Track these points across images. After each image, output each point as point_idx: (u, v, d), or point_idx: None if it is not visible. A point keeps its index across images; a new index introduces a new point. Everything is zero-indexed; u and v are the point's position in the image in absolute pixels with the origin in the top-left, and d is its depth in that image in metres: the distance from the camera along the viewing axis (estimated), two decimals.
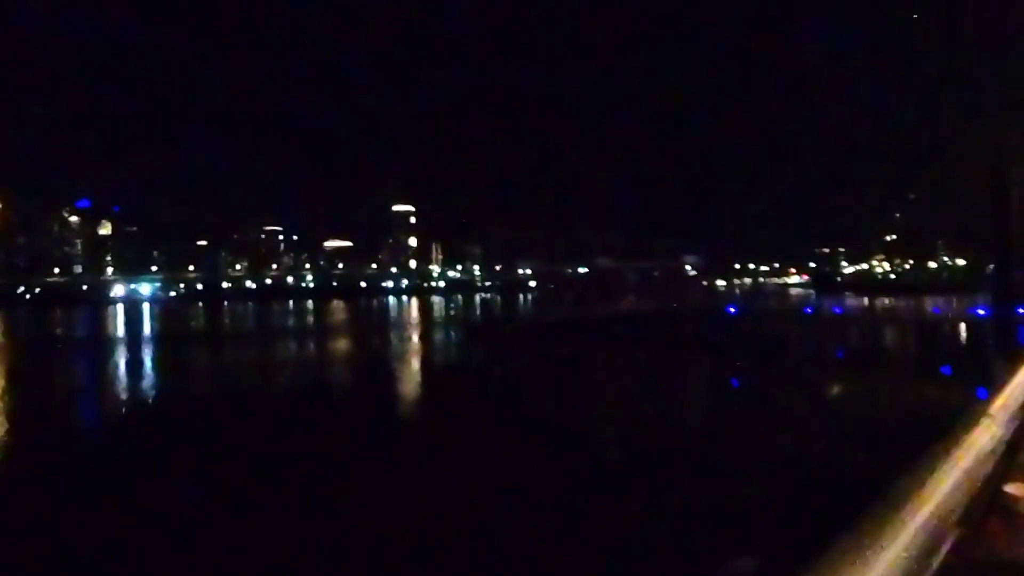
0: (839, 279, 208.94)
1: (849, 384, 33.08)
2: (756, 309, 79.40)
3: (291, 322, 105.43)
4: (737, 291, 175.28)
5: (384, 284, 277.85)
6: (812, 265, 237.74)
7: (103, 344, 69.03)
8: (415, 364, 47.92)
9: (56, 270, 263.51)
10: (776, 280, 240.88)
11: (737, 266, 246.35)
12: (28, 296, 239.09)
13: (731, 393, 31.29)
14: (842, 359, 43.92)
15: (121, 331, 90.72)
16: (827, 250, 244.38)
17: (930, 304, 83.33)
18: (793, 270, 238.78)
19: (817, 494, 15.51)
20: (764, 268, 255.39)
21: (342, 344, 63.23)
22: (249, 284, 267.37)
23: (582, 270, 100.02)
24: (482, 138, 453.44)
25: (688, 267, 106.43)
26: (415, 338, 69.12)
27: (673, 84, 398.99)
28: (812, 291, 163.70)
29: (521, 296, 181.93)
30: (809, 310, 77.37)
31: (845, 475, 16.86)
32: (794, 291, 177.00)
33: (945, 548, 3.48)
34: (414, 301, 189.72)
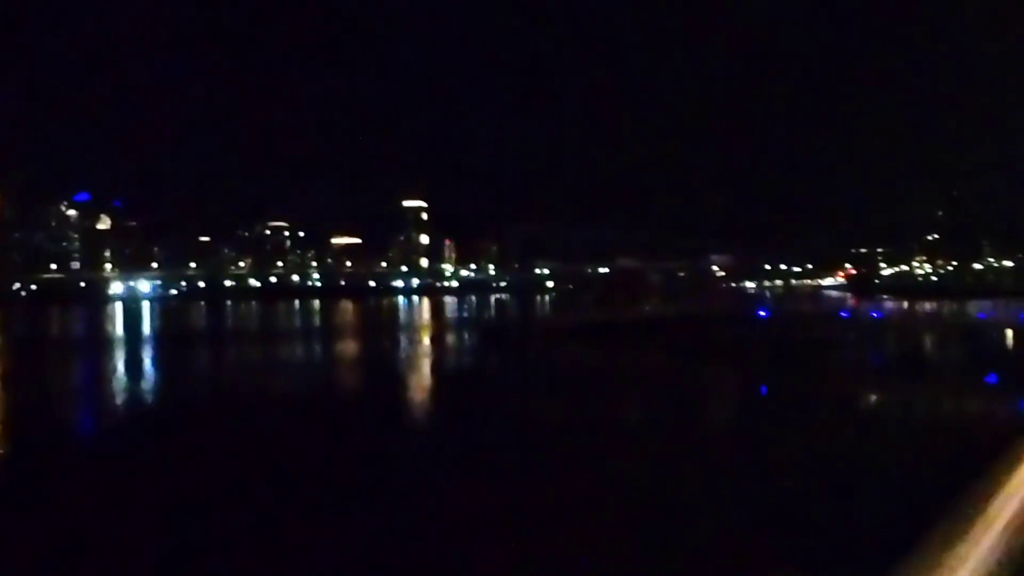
0: (877, 281, 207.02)
1: (888, 394, 32.46)
2: (788, 313, 78.48)
3: (294, 323, 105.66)
4: (768, 293, 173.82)
5: (394, 283, 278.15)
6: (848, 266, 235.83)
7: (99, 344, 69.33)
8: (424, 370, 47.66)
9: (53, 266, 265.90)
10: (809, 282, 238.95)
11: (768, 267, 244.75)
12: (24, 293, 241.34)
13: (759, 403, 30.76)
14: (880, 366, 43.23)
15: (118, 331, 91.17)
16: (864, 250, 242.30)
17: (975, 309, 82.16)
18: (842, 271, 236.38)
19: (857, 518, 15.04)
20: (796, 269, 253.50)
21: (347, 348, 63.11)
22: (253, 282, 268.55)
23: (603, 270, 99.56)
24: (498, 131, 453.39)
25: (716, 267, 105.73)
26: (425, 341, 68.91)
27: (702, 77, 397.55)
28: (848, 294, 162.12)
29: (538, 297, 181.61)
30: (845, 314, 76.38)
31: (883, 496, 16.37)
32: (829, 294, 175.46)
33: None
34: (425, 301, 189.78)
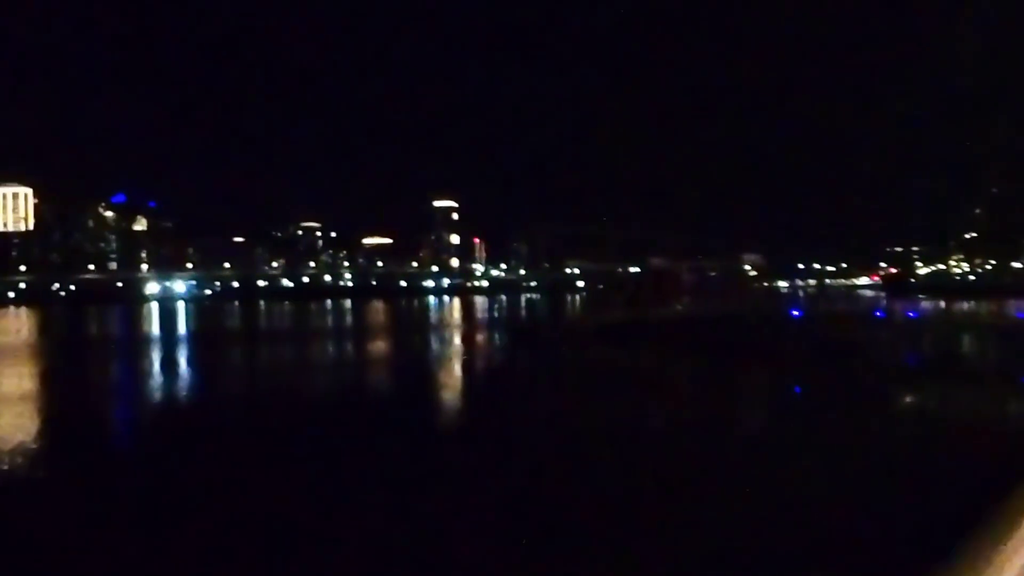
0: (913, 280, 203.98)
1: (926, 396, 32.04)
2: (822, 312, 77.57)
3: (329, 323, 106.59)
4: (801, 293, 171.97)
5: (425, 283, 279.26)
6: (883, 265, 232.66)
7: (142, 343, 70.54)
8: (456, 371, 47.86)
9: (91, 267, 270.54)
10: (843, 282, 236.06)
11: (800, 266, 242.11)
12: (63, 293, 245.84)
13: (793, 404, 30.51)
14: (917, 367, 42.63)
15: (159, 330, 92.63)
16: (900, 249, 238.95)
17: (1015, 308, 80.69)
18: (877, 270, 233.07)
19: (900, 521, 14.89)
20: (830, 269, 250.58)
21: (382, 348, 63.54)
22: (285, 283, 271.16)
23: (634, 270, 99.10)
24: (529, 131, 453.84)
25: (748, 267, 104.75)
26: (456, 341, 69.18)
27: (733, 74, 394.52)
28: (883, 294, 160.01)
29: (568, 297, 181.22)
30: (880, 314, 75.33)
31: (927, 498, 16.18)
32: (864, 293, 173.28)
33: None
34: (456, 301, 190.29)
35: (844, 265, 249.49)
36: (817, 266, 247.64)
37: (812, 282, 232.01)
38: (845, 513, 15.52)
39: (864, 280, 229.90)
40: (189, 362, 53.74)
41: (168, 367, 49.74)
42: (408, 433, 25.34)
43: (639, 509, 16.16)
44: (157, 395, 37.33)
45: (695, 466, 19.79)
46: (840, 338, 50.89)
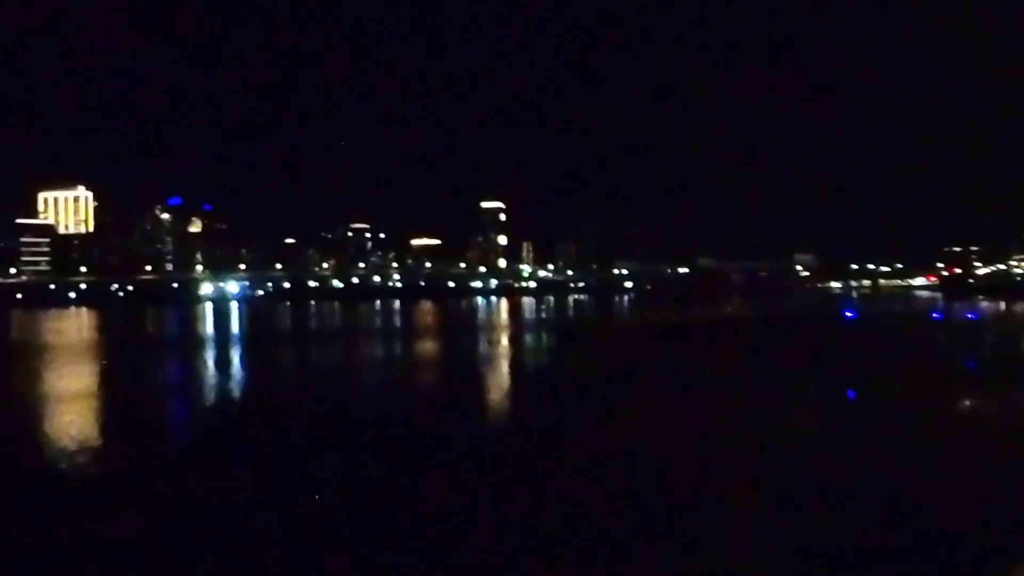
0: (971, 281, 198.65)
1: (985, 400, 31.28)
2: (876, 314, 76.22)
3: (381, 324, 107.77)
4: (854, 294, 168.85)
5: (473, 284, 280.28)
6: (940, 266, 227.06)
7: (206, 343, 72.23)
8: (504, 369, 48.09)
9: (148, 268, 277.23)
10: (899, 282, 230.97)
11: (854, 267, 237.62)
12: (121, 294, 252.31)
13: (847, 409, 30.06)
14: (977, 370, 41.61)
15: (220, 330, 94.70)
16: (958, 249, 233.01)
17: None
18: (933, 271, 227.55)
19: (962, 528, 14.67)
20: (885, 269, 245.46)
21: (433, 348, 64.07)
22: (336, 283, 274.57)
23: (682, 270, 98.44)
24: (576, 132, 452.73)
25: (800, 267, 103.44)
26: (504, 342, 69.45)
27: (785, 70, 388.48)
28: (940, 294, 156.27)
29: (617, 298, 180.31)
30: (937, 315, 73.72)
31: (987, 505, 15.89)
32: (920, 294, 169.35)
33: None
34: (504, 302, 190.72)
35: (900, 265, 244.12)
36: (872, 266, 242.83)
37: (866, 283, 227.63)
38: (905, 517, 15.33)
39: (920, 280, 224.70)
40: (254, 362, 54.78)
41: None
42: (469, 429, 25.63)
43: (692, 502, 16.15)
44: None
45: (750, 471, 19.67)
46: (896, 340, 49.97)
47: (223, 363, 53.02)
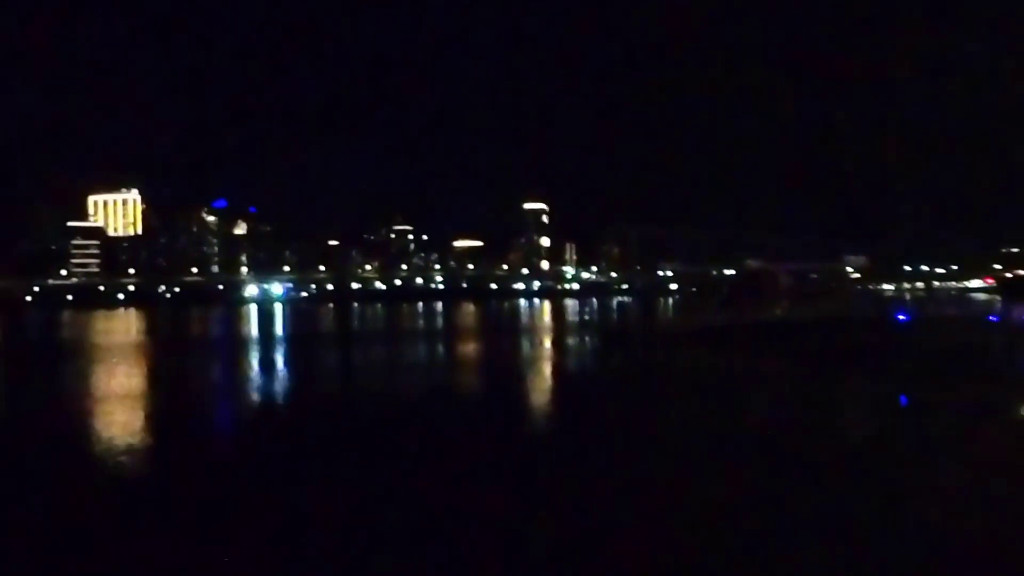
0: None
1: None
2: (931, 317, 74.61)
3: (425, 325, 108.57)
4: (907, 296, 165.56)
5: (515, 286, 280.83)
6: (998, 267, 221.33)
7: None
8: (547, 372, 48.13)
9: (194, 269, 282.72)
10: (954, 284, 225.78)
11: (907, 268, 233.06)
12: (168, 295, 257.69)
13: (899, 415, 29.51)
14: None
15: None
16: (1016, 250, 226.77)
17: None
18: (990, 272, 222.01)
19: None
20: (940, 271, 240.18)
21: (474, 349, 64.38)
22: (378, 285, 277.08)
23: (729, 272, 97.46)
24: (619, 132, 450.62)
25: (851, 269, 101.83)
26: (547, 344, 69.46)
27: (835, 65, 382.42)
28: (998, 297, 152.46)
29: (661, 300, 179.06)
30: (995, 319, 71.93)
31: None
32: (976, 297, 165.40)
33: None
34: (546, 304, 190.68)
35: (955, 267, 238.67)
36: (925, 268, 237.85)
37: (920, 285, 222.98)
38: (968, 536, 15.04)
39: (977, 283, 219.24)
40: (304, 364, 55.66)
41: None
42: (525, 432, 25.78)
43: (735, 513, 16.05)
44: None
45: (802, 481, 19.47)
46: (950, 344, 48.87)
47: (276, 364, 54.12)
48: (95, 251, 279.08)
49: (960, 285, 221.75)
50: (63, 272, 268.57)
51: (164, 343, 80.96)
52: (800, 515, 16.26)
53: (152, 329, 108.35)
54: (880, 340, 53.49)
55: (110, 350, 67.31)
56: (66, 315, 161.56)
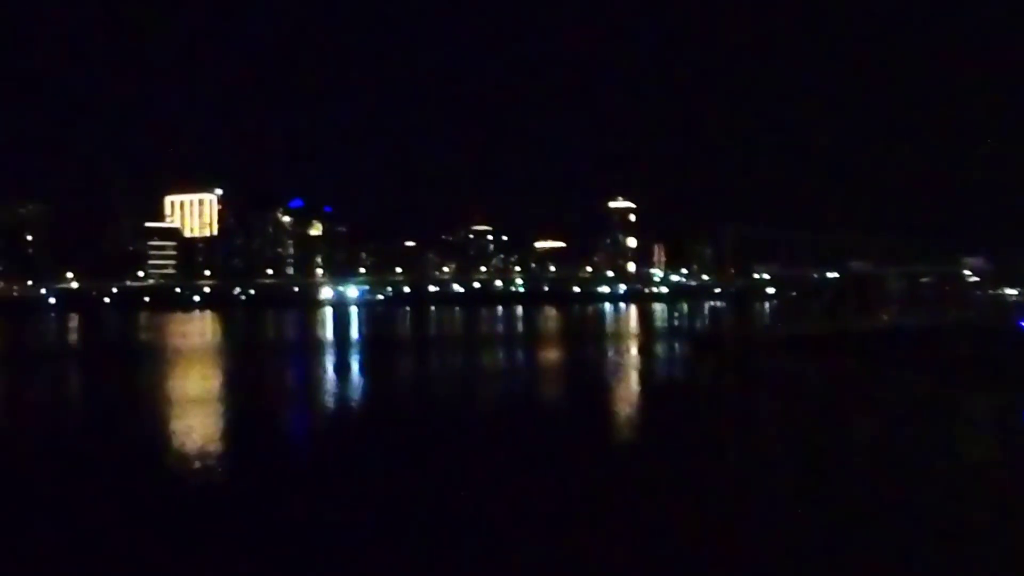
0: None
1: None
2: None
3: (504, 330, 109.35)
4: None
5: (599, 289, 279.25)
6: None
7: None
8: (633, 382, 48.03)
9: (270, 271, 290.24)
10: None
11: None
12: (243, 298, 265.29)
13: (1020, 432, 28.59)
14: None
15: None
16: None
17: None
18: None
19: None
20: None
21: (558, 355, 64.59)
22: (456, 288, 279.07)
23: (832, 275, 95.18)
24: (711, 126, 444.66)
25: (969, 272, 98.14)
26: (634, 351, 69.19)
27: (955, 61, 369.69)
28: None
29: (757, 305, 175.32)
30: None
31: None
32: None
33: None
34: (633, 309, 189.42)
35: None
36: None
37: None
38: None
39: None
40: (382, 368, 57.04)
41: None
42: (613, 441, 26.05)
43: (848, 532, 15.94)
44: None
45: (911, 501, 19.18)
46: None
47: (355, 369, 55.67)
48: (171, 252, 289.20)
49: None
50: (140, 273, 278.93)
51: (241, 347, 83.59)
52: (921, 535, 16.06)
53: (228, 332, 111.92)
54: (1000, 349, 51.69)
55: (189, 354, 70.04)
56: (143, 317, 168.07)
